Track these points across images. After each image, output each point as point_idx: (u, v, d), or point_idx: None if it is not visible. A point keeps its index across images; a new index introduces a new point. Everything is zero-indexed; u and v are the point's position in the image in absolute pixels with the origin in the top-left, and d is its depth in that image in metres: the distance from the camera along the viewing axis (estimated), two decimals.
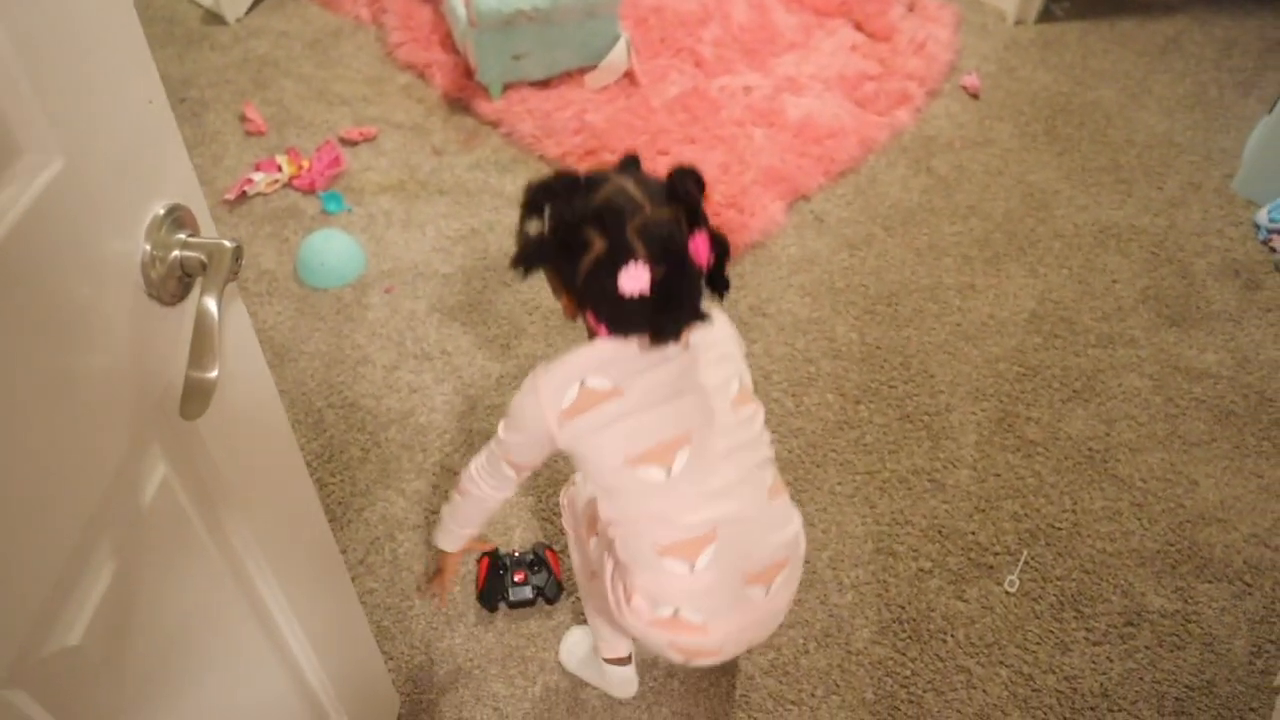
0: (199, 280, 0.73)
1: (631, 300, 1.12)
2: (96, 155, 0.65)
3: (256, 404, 0.94)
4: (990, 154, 2.83)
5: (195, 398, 0.68)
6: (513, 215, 2.59)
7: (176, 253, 0.72)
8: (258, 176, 2.62)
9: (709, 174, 2.57)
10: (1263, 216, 2.65)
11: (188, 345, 0.70)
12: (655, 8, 3.06)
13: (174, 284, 0.72)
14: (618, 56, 2.86)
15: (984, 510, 2.07)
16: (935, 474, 2.13)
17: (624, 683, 1.75)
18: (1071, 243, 2.60)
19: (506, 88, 2.86)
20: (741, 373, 1.31)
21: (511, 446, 1.32)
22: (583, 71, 2.90)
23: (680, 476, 1.22)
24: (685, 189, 1.15)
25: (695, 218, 1.15)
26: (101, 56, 0.65)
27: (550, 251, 1.19)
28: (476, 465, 1.39)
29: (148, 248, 0.70)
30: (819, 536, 2.02)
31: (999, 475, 2.13)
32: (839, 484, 2.10)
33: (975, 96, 3.00)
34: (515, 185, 2.67)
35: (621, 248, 1.12)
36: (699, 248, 1.14)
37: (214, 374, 0.68)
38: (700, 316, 1.19)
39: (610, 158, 2.63)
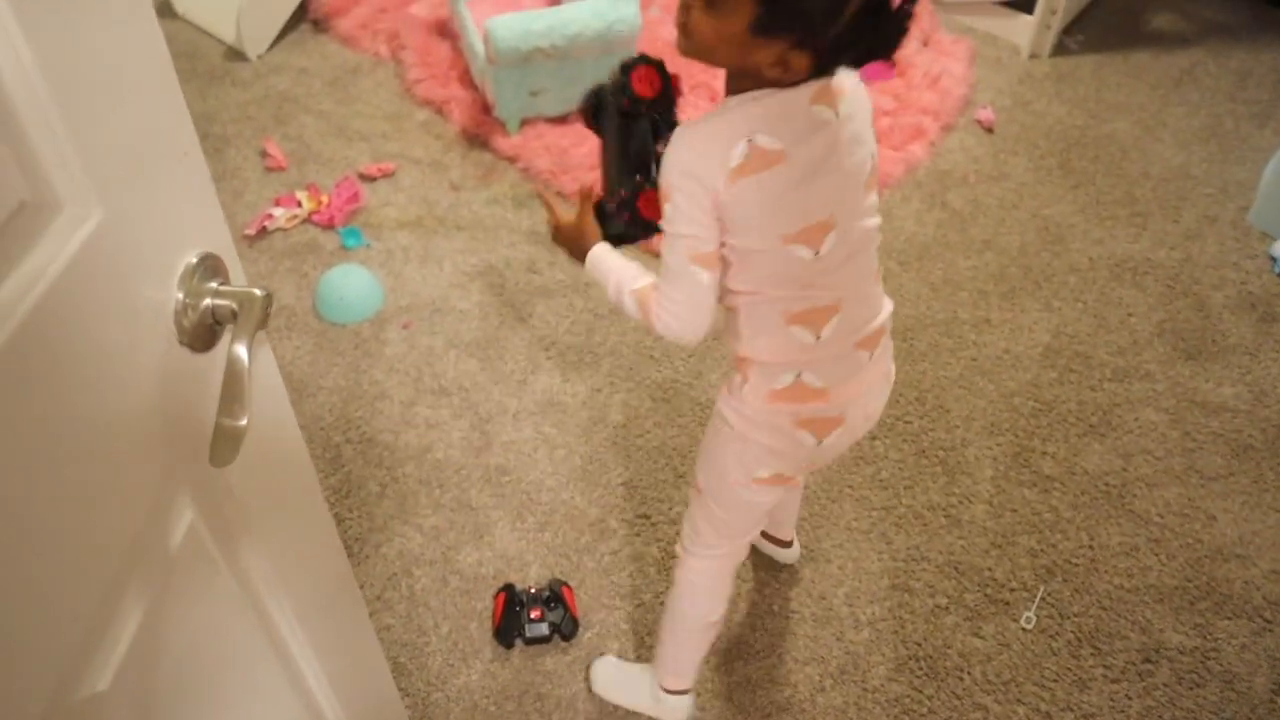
0: (229, 328, 0.75)
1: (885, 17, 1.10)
2: (134, 208, 0.66)
3: (283, 449, 0.95)
4: (1005, 188, 2.84)
5: (225, 445, 0.69)
6: (529, 249, 2.62)
7: (208, 301, 0.73)
8: (278, 212, 2.65)
9: None
10: (1278, 249, 2.65)
11: (217, 392, 0.71)
12: (672, 42, 3.08)
13: (205, 332, 0.74)
14: None
15: (1000, 546, 2.07)
16: (951, 509, 2.12)
17: (678, 710, 1.77)
18: (1086, 277, 2.60)
19: (524, 123, 2.89)
20: (874, 152, 1.29)
21: (691, 234, 1.21)
22: None
23: (825, 256, 1.24)
24: None
25: None
26: (139, 111, 0.67)
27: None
28: (665, 313, 1.26)
29: (181, 296, 0.71)
30: (835, 573, 2.02)
31: (1015, 510, 2.13)
32: (855, 520, 2.10)
33: (990, 130, 3.01)
34: (531, 221, 2.70)
35: None
36: None
37: (244, 422, 0.69)
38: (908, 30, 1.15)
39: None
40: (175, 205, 0.72)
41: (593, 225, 1.43)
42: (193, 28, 3.31)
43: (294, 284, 2.54)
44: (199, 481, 0.80)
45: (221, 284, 0.75)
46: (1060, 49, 3.32)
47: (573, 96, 2.89)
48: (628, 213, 1.41)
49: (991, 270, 2.61)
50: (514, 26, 2.68)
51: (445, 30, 3.19)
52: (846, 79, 1.22)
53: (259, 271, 2.57)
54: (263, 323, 0.72)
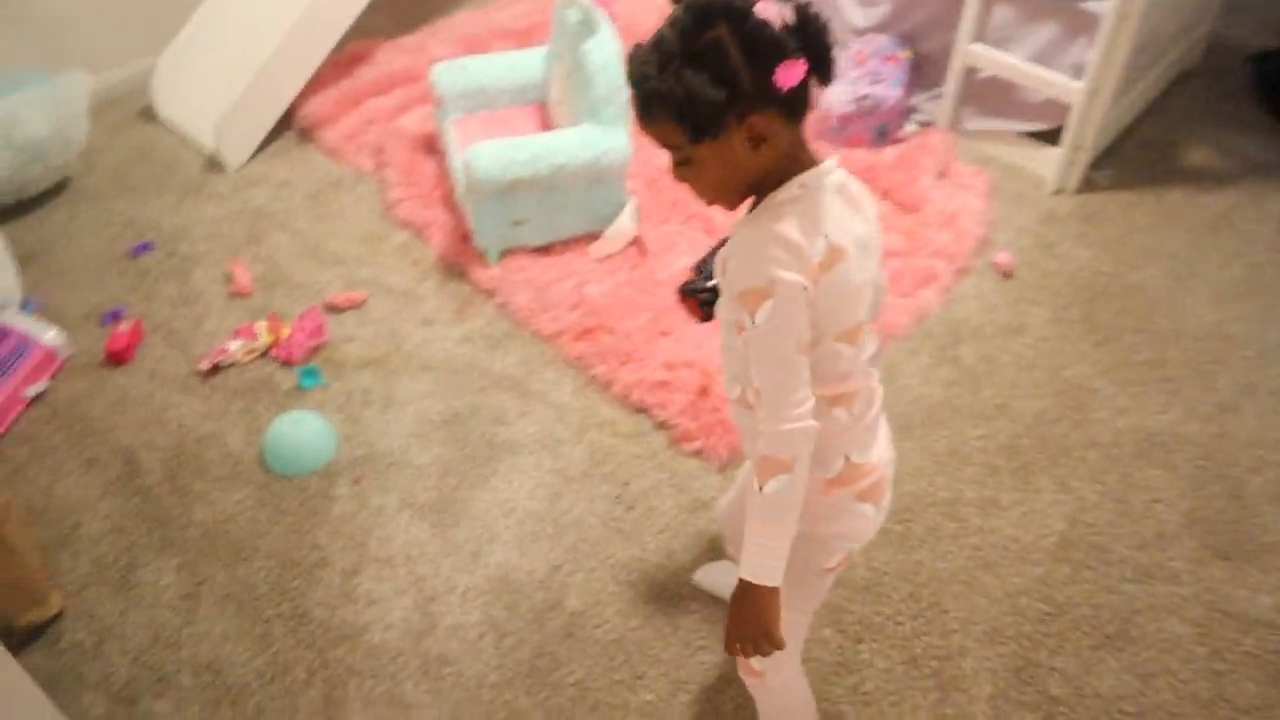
0: None
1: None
2: None
3: None
4: (1023, 343, 2.61)
5: None
6: (499, 397, 2.42)
7: None
8: (234, 345, 2.47)
9: (712, 362, 2.39)
10: None
11: None
12: (666, 168, 2.89)
13: None
14: (624, 223, 2.70)
15: None
16: None
17: None
18: (1109, 453, 2.35)
19: (505, 254, 2.71)
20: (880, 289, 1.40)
21: (801, 352, 1.22)
22: (588, 238, 2.75)
23: (860, 352, 1.32)
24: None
25: None
26: None
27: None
28: (790, 430, 1.22)
29: None
30: None
31: None
32: None
33: (1008, 275, 2.79)
34: (504, 363, 2.50)
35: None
36: None
37: None
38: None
39: (608, 339, 2.45)
40: None
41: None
42: (174, 134, 3.18)
43: (244, 427, 2.35)
44: None
45: None
46: (1088, 184, 3.09)
47: (559, 226, 2.72)
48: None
49: (1003, 441, 2.37)
50: (496, 156, 2.51)
51: (433, 146, 3.03)
52: (857, 186, 1.30)
53: (209, 411, 2.39)
54: None
